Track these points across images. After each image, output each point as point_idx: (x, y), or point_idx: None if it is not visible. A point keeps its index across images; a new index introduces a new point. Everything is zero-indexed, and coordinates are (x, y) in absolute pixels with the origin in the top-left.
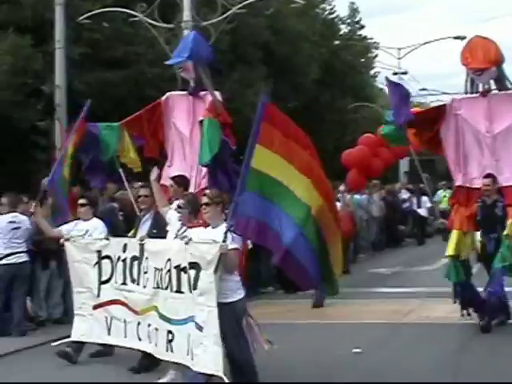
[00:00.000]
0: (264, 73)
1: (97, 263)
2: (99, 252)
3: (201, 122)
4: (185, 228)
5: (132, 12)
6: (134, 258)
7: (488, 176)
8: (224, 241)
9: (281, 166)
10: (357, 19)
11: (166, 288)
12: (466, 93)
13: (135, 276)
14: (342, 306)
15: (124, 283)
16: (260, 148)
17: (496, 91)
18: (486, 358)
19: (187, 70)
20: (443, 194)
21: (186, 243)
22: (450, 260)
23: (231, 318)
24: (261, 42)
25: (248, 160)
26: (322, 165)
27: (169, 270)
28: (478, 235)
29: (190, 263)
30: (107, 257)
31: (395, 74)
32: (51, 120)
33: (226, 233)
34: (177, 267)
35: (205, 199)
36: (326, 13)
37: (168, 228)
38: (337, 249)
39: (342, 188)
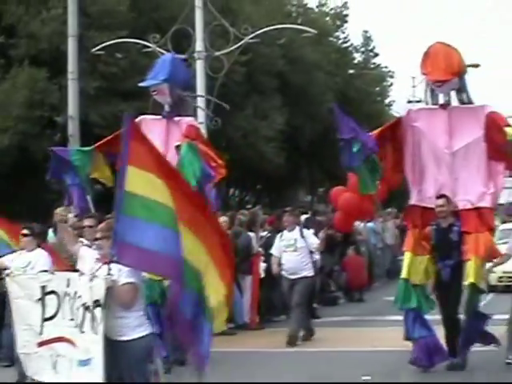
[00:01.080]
0: (279, 102)
1: (40, 299)
2: (43, 287)
3: (177, 146)
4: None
5: (145, 43)
6: (75, 294)
7: (442, 196)
8: (109, 274)
9: (156, 185)
10: (370, 47)
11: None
12: (426, 103)
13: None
14: (354, 334)
15: (72, 319)
16: (132, 169)
17: (457, 104)
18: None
19: (162, 94)
20: None
21: (91, 280)
22: (402, 283)
23: (129, 357)
24: (275, 71)
25: (121, 183)
26: None
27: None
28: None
29: (94, 301)
30: (52, 292)
31: (409, 102)
32: None
33: (109, 264)
34: (83, 305)
35: (98, 234)
36: (340, 41)
37: (79, 266)
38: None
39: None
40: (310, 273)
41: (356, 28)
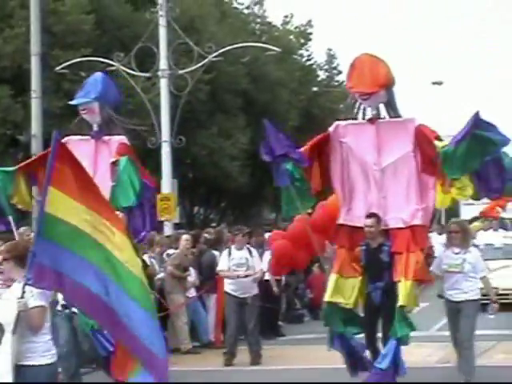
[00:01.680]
0: (243, 121)
1: None
2: None
3: (113, 162)
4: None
5: (110, 61)
6: None
7: (371, 216)
8: (22, 297)
9: (77, 210)
10: (334, 65)
11: None
12: (356, 119)
13: None
14: (320, 351)
15: None
16: (54, 191)
17: (386, 118)
18: None
19: (92, 113)
20: None
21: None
22: (326, 307)
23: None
24: (239, 89)
25: (42, 204)
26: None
27: None
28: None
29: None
30: None
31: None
32: None
33: (23, 287)
34: None
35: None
36: (304, 59)
37: None
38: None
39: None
40: (257, 291)
41: (320, 46)
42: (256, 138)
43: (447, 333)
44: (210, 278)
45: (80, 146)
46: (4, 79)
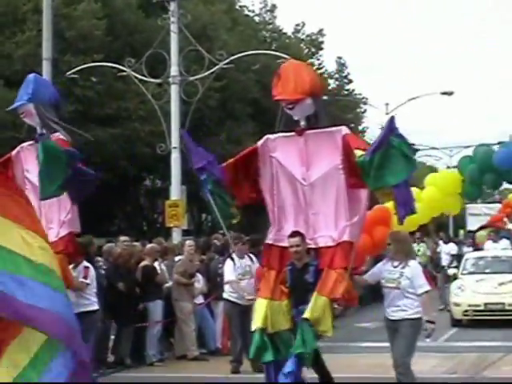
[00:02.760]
0: (253, 129)
1: None
2: None
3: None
4: None
5: (121, 67)
6: None
7: (295, 234)
8: None
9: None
10: (344, 74)
11: None
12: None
13: None
14: (327, 360)
15: None
16: None
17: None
18: None
19: (30, 115)
20: (417, 248)
21: None
22: (256, 334)
23: None
24: (250, 97)
25: None
26: None
27: None
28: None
29: None
30: None
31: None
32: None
33: None
34: None
35: None
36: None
37: None
38: None
39: None
40: None
41: (330, 54)
42: None
43: (455, 343)
44: (217, 285)
45: (31, 151)
46: (15, 82)
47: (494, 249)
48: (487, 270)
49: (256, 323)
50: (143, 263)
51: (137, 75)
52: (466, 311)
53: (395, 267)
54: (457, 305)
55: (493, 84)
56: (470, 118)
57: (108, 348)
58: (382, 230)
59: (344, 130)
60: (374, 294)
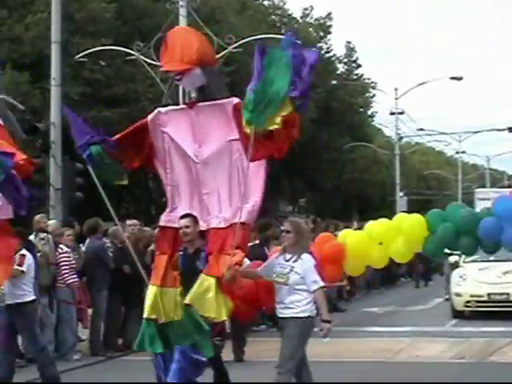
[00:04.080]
0: None
1: None
2: None
3: None
4: None
5: (129, 51)
6: None
7: (186, 216)
8: None
9: None
10: (353, 58)
11: None
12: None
13: None
14: (332, 345)
15: None
16: None
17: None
18: None
19: None
20: None
21: None
22: (144, 324)
23: None
24: None
25: None
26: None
27: None
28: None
29: None
30: None
31: (392, 113)
32: (47, 157)
33: None
34: None
35: None
36: (323, 52)
37: None
38: None
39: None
40: None
41: (339, 38)
42: None
43: (463, 328)
44: None
45: None
46: (24, 65)
47: None
48: (491, 258)
49: (145, 312)
50: (152, 246)
51: (145, 59)
52: (468, 302)
53: (287, 261)
54: (458, 295)
55: (503, 69)
56: (480, 103)
57: (117, 331)
58: (332, 270)
59: (235, 99)
60: (383, 279)
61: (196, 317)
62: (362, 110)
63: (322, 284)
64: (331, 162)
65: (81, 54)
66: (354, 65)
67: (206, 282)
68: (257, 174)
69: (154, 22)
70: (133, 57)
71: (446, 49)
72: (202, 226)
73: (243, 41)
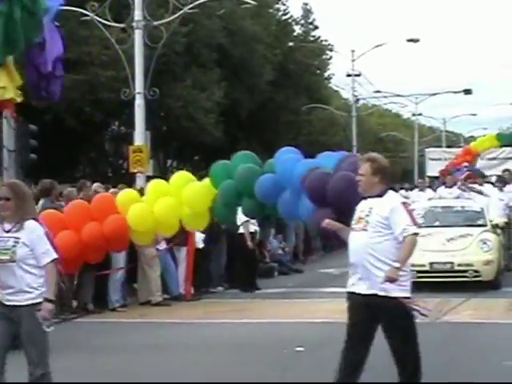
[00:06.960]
0: (218, 75)
1: None
2: None
3: None
4: None
5: (83, 11)
6: None
7: None
8: None
9: None
10: (310, 20)
11: None
12: None
13: None
14: (288, 305)
15: None
16: None
17: None
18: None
19: None
20: None
21: None
22: None
23: None
24: (215, 43)
25: None
26: None
27: None
28: None
29: None
30: None
31: (349, 75)
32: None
33: None
34: None
35: None
36: (280, 13)
37: None
38: None
39: None
40: None
41: (296, 0)
42: (230, 92)
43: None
44: (180, 231)
45: None
46: None
47: (448, 195)
48: (436, 223)
49: None
50: None
51: (100, 20)
52: None
53: (7, 232)
54: None
55: (460, 32)
56: (437, 66)
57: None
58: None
59: None
60: (339, 241)
61: None
62: (319, 71)
63: (55, 256)
64: (288, 123)
65: None
66: (310, 26)
67: None
68: None
69: None
70: (87, 17)
71: (403, 11)
72: None
73: (199, 1)
